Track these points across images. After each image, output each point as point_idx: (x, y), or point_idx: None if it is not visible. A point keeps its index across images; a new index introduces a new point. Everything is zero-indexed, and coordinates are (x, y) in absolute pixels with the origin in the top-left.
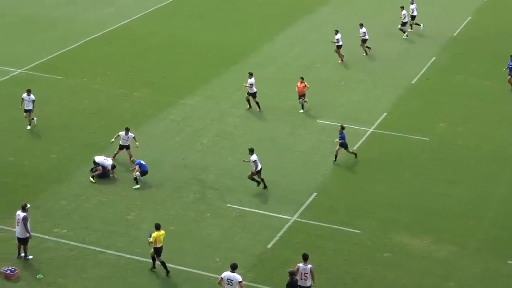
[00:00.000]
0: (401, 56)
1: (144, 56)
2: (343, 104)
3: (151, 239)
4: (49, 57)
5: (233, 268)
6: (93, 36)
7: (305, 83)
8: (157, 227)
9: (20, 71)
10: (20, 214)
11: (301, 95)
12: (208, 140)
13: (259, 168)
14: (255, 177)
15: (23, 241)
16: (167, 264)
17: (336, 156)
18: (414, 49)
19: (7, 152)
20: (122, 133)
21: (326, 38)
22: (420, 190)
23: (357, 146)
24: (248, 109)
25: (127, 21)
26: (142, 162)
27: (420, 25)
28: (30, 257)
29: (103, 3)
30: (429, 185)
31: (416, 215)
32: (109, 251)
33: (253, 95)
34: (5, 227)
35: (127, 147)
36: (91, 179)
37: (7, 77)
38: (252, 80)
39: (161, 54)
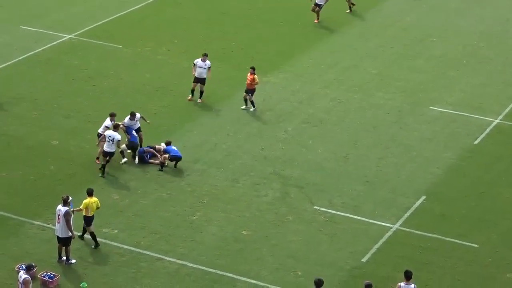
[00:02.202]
0: None
1: (220, 22)
2: (462, 88)
3: (81, 206)
4: (104, 21)
5: (318, 285)
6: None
7: (256, 75)
8: (89, 193)
9: (69, 36)
10: (61, 209)
11: (250, 90)
12: (294, 127)
13: None
14: None
15: (64, 242)
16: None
17: None
18: None
19: (51, 134)
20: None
21: (445, 6)
22: None
23: (479, 139)
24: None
25: None
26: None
27: None
28: (73, 261)
29: None
30: None
31: None
32: (168, 258)
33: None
34: (45, 224)
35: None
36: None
37: (54, 43)
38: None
39: (241, 21)
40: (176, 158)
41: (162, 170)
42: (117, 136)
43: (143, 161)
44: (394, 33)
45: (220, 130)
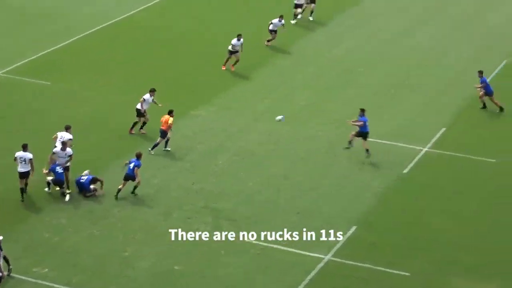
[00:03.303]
0: (470, 56)
1: (150, 56)
2: (391, 117)
3: None
4: (32, 58)
5: None
6: (88, 32)
7: (171, 119)
8: None
9: None
10: None
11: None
12: (225, 160)
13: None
14: None
15: None
16: None
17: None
18: (483, 46)
19: None
20: (58, 149)
21: (375, 35)
22: (487, 224)
23: (408, 168)
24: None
25: (129, 13)
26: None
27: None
28: None
29: None
30: (499, 218)
31: (482, 255)
32: None
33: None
34: None
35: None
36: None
37: None
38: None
39: (171, 54)
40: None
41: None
42: (28, 155)
43: (82, 189)
44: (324, 64)
45: (151, 165)
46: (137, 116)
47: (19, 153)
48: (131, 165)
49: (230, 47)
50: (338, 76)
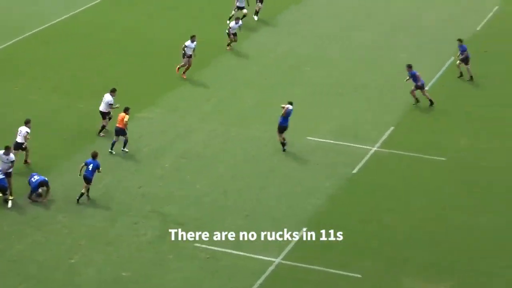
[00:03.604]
0: (412, 55)
1: (92, 57)
2: (338, 115)
3: None
4: None
5: None
6: (28, 34)
7: (127, 117)
8: None
9: None
10: None
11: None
12: (171, 163)
13: None
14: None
15: None
16: None
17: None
18: (428, 47)
19: None
20: (0, 152)
21: (319, 33)
22: (437, 222)
23: (357, 168)
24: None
25: (70, 13)
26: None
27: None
28: None
29: None
30: (448, 215)
31: (433, 253)
32: None
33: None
34: None
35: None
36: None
37: None
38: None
39: (114, 55)
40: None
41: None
42: None
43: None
44: (269, 63)
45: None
46: (103, 119)
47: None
48: (90, 167)
49: (183, 50)
50: (284, 75)
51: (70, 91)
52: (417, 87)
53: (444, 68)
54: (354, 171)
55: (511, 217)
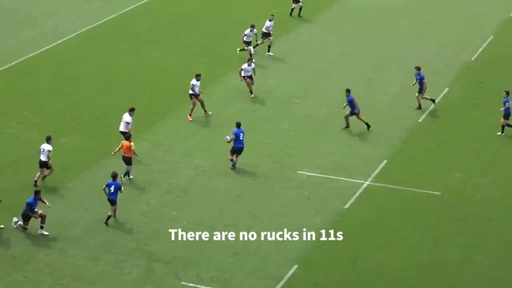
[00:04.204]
0: (404, 87)
1: (73, 91)
2: (330, 150)
3: None
4: None
5: None
6: (7, 66)
7: (132, 144)
8: None
9: None
10: None
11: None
12: (157, 198)
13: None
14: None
15: None
16: None
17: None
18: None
19: None
20: None
21: (309, 66)
22: (431, 259)
23: (349, 203)
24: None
25: (50, 45)
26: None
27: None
28: None
29: (21, 24)
30: (442, 252)
31: None
32: None
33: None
34: None
35: None
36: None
37: None
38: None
39: (95, 89)
40: None
41: None
42: None
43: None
44: (258, 96)
45: (78, 206)
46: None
47: None
48: (112, 189)
49: (190, 91)
50: (273, 108)
51: (50, 125)
52: (351, 113)
53: (437, 100)
54: (346, 206)
55: (506, 255)
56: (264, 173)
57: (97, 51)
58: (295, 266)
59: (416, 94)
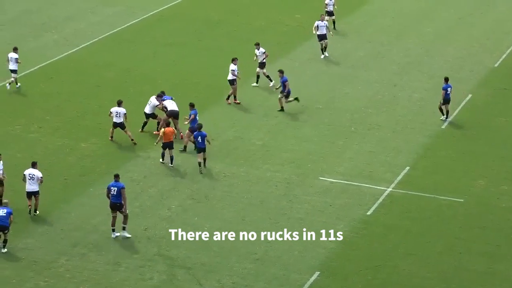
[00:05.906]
0: (428, 94)
1: (94, 95)
2: (352, 156)
3: None
4: None
5: None
6: (29, 71)
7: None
8: None
9: None
10: None
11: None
12: (178, 204)
13: None
14: None
15: None
16: None
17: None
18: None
19: None
20: None
21: (331, 72)
22: (454, 268)
23: (372, 210)
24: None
25: (72, 50)
26: None
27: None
28: None
29: (43, 28)
30: (466, 261)
31: None
32: None
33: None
34: None
35: None
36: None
37: None
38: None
39: (116, 93)
40: None
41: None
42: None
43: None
44: (276, 101)
45: (99, 211)
46: (146, 118)
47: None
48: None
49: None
50: (295, 114)
51: (72, 129)
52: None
53: (459, 108)
54: (369, 213)
55: None
56: (286, 179)
57: (119, 56)
58: (317, 273)
59: (279, 96)
